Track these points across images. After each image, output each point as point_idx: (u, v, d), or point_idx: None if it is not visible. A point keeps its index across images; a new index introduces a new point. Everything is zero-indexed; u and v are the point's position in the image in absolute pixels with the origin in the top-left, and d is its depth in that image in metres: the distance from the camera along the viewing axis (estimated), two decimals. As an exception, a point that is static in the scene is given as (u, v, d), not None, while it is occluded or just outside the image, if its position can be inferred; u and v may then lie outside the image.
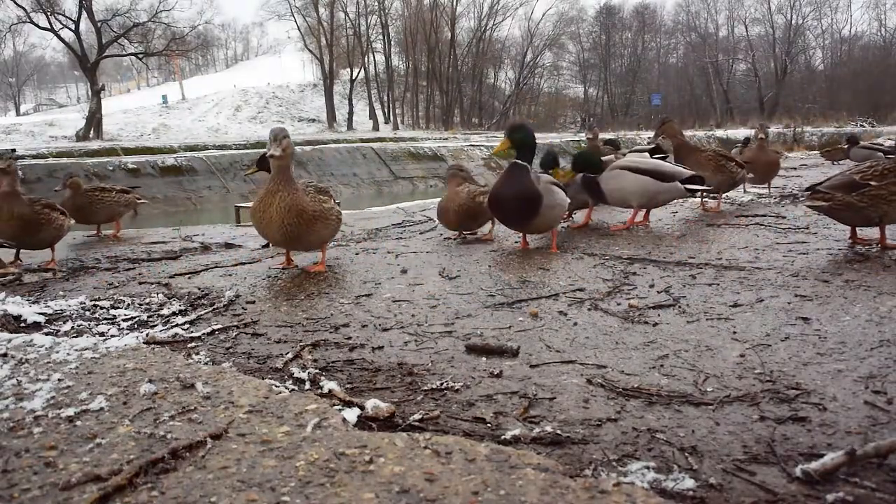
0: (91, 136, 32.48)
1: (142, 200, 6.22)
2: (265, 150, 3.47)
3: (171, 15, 37.96)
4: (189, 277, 3.73)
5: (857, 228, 3.98)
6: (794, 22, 58.05)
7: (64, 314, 3.01)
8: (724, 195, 6.12)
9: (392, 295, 3.14)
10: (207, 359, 2.34)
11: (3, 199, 4.18)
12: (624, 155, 6.11)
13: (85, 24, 36.62)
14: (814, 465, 1.47)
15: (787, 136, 25.98)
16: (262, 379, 2.10)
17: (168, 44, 38.19)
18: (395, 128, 52.59)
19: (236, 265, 4.04)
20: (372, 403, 1.86)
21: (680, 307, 2.81)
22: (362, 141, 27.82)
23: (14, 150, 18.87)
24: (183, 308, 3.06)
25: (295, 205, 3.39)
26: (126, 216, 6.22)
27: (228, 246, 5.02)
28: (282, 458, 1.54)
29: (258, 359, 2.35)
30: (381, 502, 1.34)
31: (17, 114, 70.70)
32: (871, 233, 4.02)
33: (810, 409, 1.80)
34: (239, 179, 19.99)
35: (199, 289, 3.42)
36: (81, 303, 3.17)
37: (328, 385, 2.04)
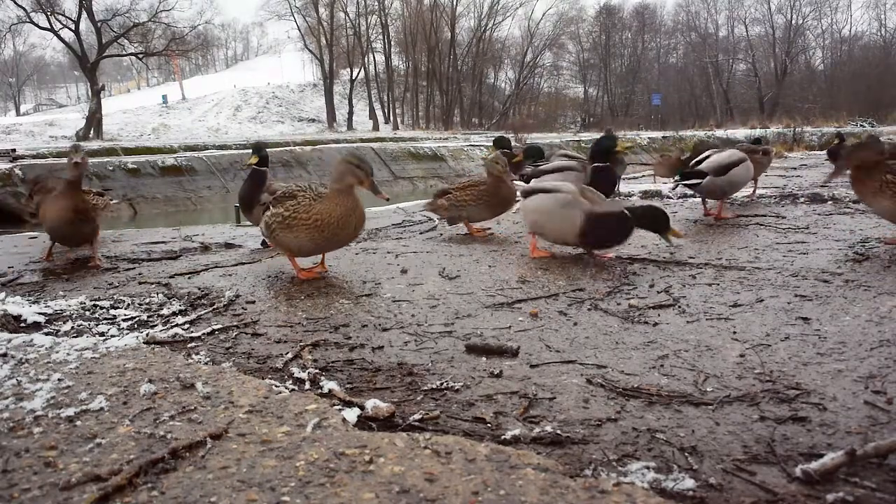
0: (91, 136, 32.48)
1: (115, 201, 6.16)
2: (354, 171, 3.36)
3: (171, 15, 38.07)
4: (189, 277, 3.73)
5: None
6: (794, 22, 58.18)
7: (64, 314, 3.01)
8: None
9: (392, 295, 3.14)
10: (207, 359, 2.34)
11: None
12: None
13: (85, 24, 36.73)
14: (814, 465, 1.47)
15: (787, 136, 25.98)
16: (262, 379, 2.10)
17: (168, 44, 38.22)
18: (395, 128, 52.59)
19: (236, 265, 4.04)
20: (372, 403, 1.86)
21: (680, 307, 2.81)
22: (362, 141, 27.81)
23: (14, 150, 18.88)
24: (183, 308, 3.06)
25: (363, 212, 3.43)
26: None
27: (228, 246, 5.02)
28: (282, 458, 1.54)
29: (258, 359, 2.35)
30: (381, 502, 1.34)
31: (17, 114, 70.73)
32: None
33: (810, 409, 1.80)
34: (239, 179, 19.99)
35: (199, 289, 3.41)
36: (81, 303, 3.17)
37: (328, 385, 2.04)
